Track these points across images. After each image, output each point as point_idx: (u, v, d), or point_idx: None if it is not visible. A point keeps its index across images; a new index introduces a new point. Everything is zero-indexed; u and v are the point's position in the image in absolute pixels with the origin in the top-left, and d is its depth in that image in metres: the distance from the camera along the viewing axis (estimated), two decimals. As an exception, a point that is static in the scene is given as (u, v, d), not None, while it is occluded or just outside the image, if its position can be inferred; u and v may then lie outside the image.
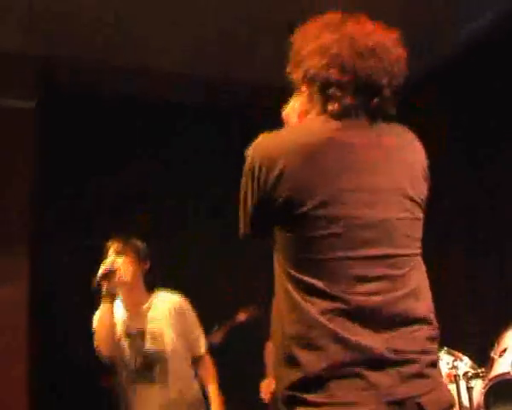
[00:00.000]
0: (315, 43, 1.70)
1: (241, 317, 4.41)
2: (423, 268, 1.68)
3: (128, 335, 3.23)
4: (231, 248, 4.38)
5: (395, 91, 1.70)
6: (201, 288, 3.84)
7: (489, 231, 4.23)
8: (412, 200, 1.65)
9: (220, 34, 4.36)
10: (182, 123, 4.87)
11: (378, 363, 1.50)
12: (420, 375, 1.54)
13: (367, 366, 1.49)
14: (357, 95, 1.64)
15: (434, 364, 1.60)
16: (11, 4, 3.98)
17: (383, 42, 1.68)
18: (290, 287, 1.58)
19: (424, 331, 1.59)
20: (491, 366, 2.94)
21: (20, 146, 4.47)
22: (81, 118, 4.67)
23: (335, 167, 1.58)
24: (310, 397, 1.50)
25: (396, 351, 1.52)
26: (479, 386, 3.00)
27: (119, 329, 3.24)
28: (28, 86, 4.52)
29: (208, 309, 3.52)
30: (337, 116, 1.63)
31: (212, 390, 3.31)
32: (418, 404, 1.50)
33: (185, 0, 4.08)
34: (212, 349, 3.50)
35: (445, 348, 3.22)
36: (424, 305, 1.62)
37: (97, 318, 3.16)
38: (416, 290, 1.60)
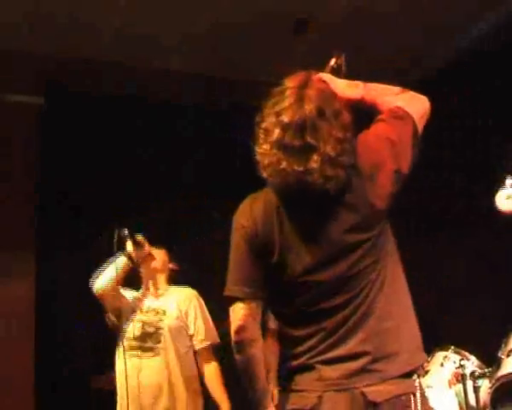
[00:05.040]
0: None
1: None
2: None
3: (135, 310, 3.46)
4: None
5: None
6: (205, 290, 3.83)
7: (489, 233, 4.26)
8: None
9: (221, 32, 4.38)
10: (182, 121, 4.89)
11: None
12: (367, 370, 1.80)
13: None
14: None
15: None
16: (17, 3, 4.00)
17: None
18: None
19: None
20: (499, 366, 2.94)
21: (23, 143, 4.49)
22: (82, 116, 4.67)
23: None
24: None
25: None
26: (485, 386, 3.00)
27: (131, 305, 3.49)
28: (31, 83, 4.53)
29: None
30: None
31: (218, 394, 3.44)
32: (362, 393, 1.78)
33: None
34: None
35: (452, 348, 3.22)
36: None
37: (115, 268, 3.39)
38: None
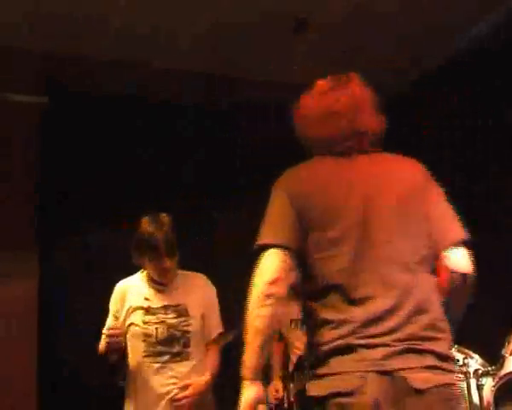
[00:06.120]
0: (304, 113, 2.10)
1: None
2: None
3: (148, 309, 3.16)
4: (233, 245, 4.42)
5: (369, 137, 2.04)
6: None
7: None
8: None
9: (221, 32, 4.39)
10: (182, 121, 4.89)
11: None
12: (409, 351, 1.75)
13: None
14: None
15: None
16: (17, 3, 4.00)
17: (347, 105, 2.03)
18: None
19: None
20: (502, 364, 2.94)
21: (23, 143, 4.49)
22: (82, 116, 4.67)
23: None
24: None
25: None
26: (489, 384, 3.00)
27: (139, 304, 3.18)
28: (31, 83, 4.53)
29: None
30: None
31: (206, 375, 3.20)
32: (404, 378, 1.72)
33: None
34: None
35: (456, 346, 3.22)
36: None
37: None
38: None
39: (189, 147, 4.87)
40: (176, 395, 3.07)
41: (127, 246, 4.26)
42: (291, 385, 3.76)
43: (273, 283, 1.83)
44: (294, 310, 3.93)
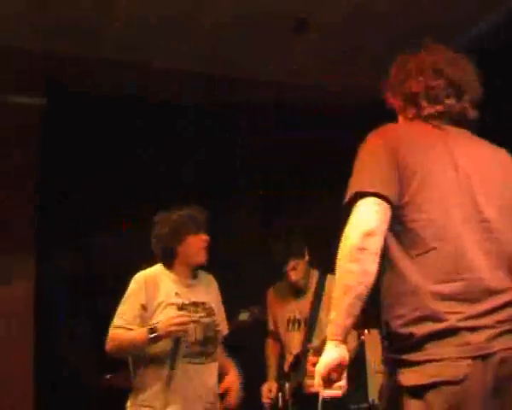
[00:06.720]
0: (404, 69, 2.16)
1: (244, 317, 4.34)
2: None
3: (181, 306, 3.04)
4: (233, 245, 4.43)
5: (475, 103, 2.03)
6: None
7: None
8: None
9: (221, 31, 4.39)
10: (182, 121, 4.89)
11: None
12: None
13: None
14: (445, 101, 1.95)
15: None
16: (17, 3, 4.00)
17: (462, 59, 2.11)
18: None
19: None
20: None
21: (24, 144, 4.49)
22: (82, 116, 4.67)
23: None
24: None
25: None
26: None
27: (172, 300, 3.04)
28: (32, 84, 4.53)
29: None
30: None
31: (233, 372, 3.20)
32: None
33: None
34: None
35: None
36: None
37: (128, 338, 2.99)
38: None
39: (189, 147, 4.88)
40: (225, 401, 3.10)
41: (127, 246, 4.29)
42: (286, 385, 3.79)
43: (368, 235, 1.65)
44: (292, 309, 3.94)
